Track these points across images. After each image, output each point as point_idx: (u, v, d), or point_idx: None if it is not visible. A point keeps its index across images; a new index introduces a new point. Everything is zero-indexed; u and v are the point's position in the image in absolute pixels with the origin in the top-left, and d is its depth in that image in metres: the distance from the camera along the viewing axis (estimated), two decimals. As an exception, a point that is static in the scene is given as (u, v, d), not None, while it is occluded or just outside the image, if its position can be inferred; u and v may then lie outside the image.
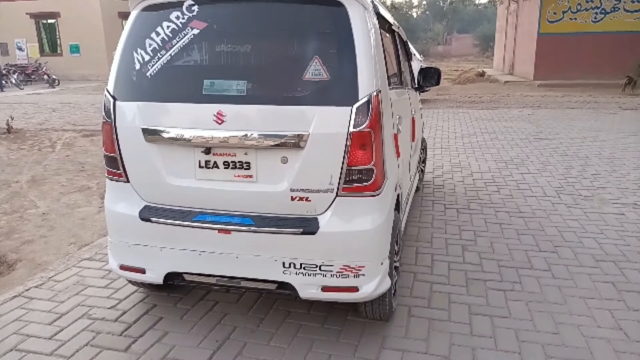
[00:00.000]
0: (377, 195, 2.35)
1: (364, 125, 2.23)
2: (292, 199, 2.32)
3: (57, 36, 24.33)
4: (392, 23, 3.46)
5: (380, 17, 2.78)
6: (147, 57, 2.44)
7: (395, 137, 2.77)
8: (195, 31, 2.41)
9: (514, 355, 2.47)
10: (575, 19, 17.46)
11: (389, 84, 2.73)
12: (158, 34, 2.44)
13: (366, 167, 2.28)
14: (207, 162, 2.41)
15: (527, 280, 3.23)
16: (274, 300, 3.00)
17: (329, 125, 2.25)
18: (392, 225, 2.57)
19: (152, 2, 2.50)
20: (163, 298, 3.06)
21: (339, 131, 2.23)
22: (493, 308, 2.90)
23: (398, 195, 2.83)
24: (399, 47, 3.73)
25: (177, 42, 2.42)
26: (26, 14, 23.85)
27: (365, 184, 2.30)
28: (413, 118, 4.02)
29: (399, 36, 3.90)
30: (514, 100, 13.68)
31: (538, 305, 2.92)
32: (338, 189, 2.29)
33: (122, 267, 2.66)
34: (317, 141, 2.25)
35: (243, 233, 2.38)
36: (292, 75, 2.34)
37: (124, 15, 23.15)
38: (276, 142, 2.27)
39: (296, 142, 2.26)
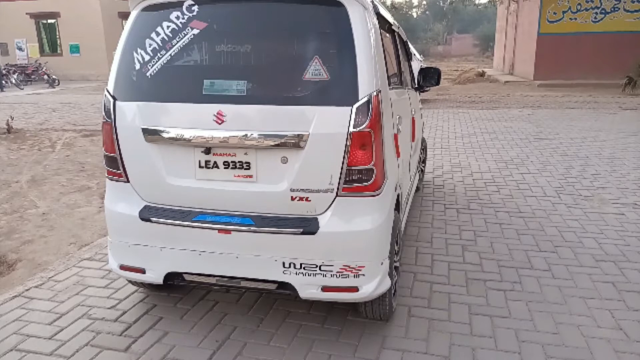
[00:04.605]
0: (377, 195, 2.34)
1: (364, 125, 2.23)
2: (292, 199, 2.32)
3: (57, 36, 24.33)
4: (392, 23, 3.46)
5: (380, 17, 2.78)
6: (147, 57, 2.44)
7: (395, 137, 2.77)
8: (195, 31, 2.41)
9: (514, 355, 2.47)
10: (575, 19, 17.47)
11: (389, 84, 2.73)
12: (158, 34, 2.44)
13: (366, 167, 2.28)
14: (207, 162, 2.41)
15: (527, 280, 3.23)
16: (274, 300, 3.00)
17: (329, 125, 2.24)
18: (392, 225, 2.57)
19: (152, 2, 2.50)
20: (163, 298, 3.06)
21: (339, 131, 2.23)
22: (493, 308, 2.90)
23: (398, 195, 2.83)
24: (399, 47, 3.73)
25: (177, 42, 2.41)
26: (26, 14, 23.86)
27: (365, 184, 2.30)
28: (413, 118, 4.02)
29: (399, 36, 3.90)
30: (514, 100, 13.68)
31: (538, 305, 2.92)
32: (338, 189, 2.29)
33: (122, 267, 2.66)
34: (317, 141, 2.25)
35: (243, 233, 2.38)
36: (292, 75, 2.34)
37: (124, 15, 23.15)
38: (276, 142, 2.27)
39: (296, 142, 2.25)
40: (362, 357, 2.46)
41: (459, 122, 9.93)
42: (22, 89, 19.61)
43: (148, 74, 2.44)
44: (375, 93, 2.26)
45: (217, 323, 2.78)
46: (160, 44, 2.43)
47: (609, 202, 4.79)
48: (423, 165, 5.37)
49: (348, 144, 2.23)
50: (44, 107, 13.55)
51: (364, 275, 2.36)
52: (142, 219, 2.51)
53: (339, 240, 2.34)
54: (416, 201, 4.90)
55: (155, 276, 2.58)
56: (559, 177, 5.73)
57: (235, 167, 2.38)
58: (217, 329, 2.73)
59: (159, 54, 2.43)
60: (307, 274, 2.37)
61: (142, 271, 2.60)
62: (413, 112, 4.04)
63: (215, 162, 2.40)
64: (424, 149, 5.30)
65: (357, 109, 2.22)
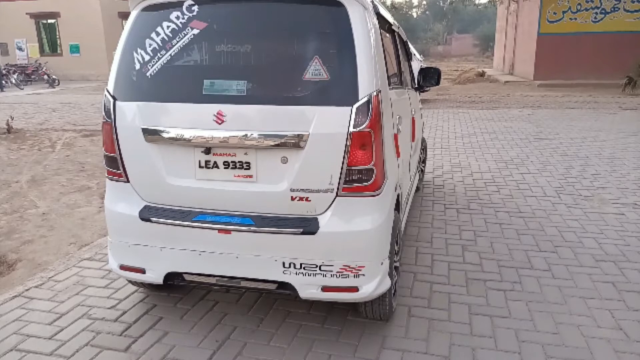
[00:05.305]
0: (377, 195, 2.34)
1: (364, 125, 2.23)
2: (292, 199, 2.32)
3: (57, 36, 24.33)
4: (392, 23, 3.46)
5: (380, 17, 2.78)
6: (147, 57, 2.44)
7: (395, 137, 2.77)
8: (195, 31, 2.41)
9: (514, 355, 2.47)
10: (575, 19, 17.47)
11: (389, 84, 2.73)
12: (158, 34, 2.44)
13: (366, 167, 2.28)
14: (207, 162, 2.41)
15: (527, 280, 3.23)
16: (274, 300, 3.00)
17: (329, 125, 2.25)
18: (392, 225, 2.57)
19: (152, 2, 2.50)
20: (163, 298, 3.06)
21: (339, 131, 2.23)
22: (493, 308, 2.90)
23: (398, 195, 2.83)
24: (399, 47, 3.73)
25: (177, 42, 2.42)
26: (26, 14, 23.86)
27: (365, 184, 2.30)
28: (413, 118, 4.02)
29: (399, 36, 3.90)
30: (514, 100, 13.68)
31: (538, 305, 2.92)
32: (338, 189, 2.29)
33: (122, 267, 2.66)
34: (317, 141, 2.25)
35: (243, 233, 2.38)
36: (292, 75, 2.34)
37: (124, 15, 23.15)
38: (276, 142, 2.27)
39: (296, 142, 2.26)
40: (362, 357, 2.46)
41: (459, 122, 9.93)
42: (22, 89, 19.61)
43: (148, 74, 2.44)
44: (375, 93, 2.26)
45: (217, 323, 2.78)
46: (160, 44, 2.43)
47: (609, 202, 4.79)
48: (423, 165, 5.37)
49: (348, 144, 2.23)
50: (44, 107, 13.55)
51: (364, 275, 2.36)
52: (142, 219, 2.51)
53: (339, 240, 2.34)
54: (416, 201, 4.90)
55: (155, 276, 2.58)
56: (559, 177, 5.73)
57: (235, 167, 2.38)
58: (217, 329, 2.73)
59: (159, 54, 2.43)
60: (307, 274, 2.37)
61: (142, 271, 2.60)
62: (413, 112, 4.04)
63: (215, 162, 2.40)
64: (424, 149, 5.30)
65: (357, 109, 2.22)
